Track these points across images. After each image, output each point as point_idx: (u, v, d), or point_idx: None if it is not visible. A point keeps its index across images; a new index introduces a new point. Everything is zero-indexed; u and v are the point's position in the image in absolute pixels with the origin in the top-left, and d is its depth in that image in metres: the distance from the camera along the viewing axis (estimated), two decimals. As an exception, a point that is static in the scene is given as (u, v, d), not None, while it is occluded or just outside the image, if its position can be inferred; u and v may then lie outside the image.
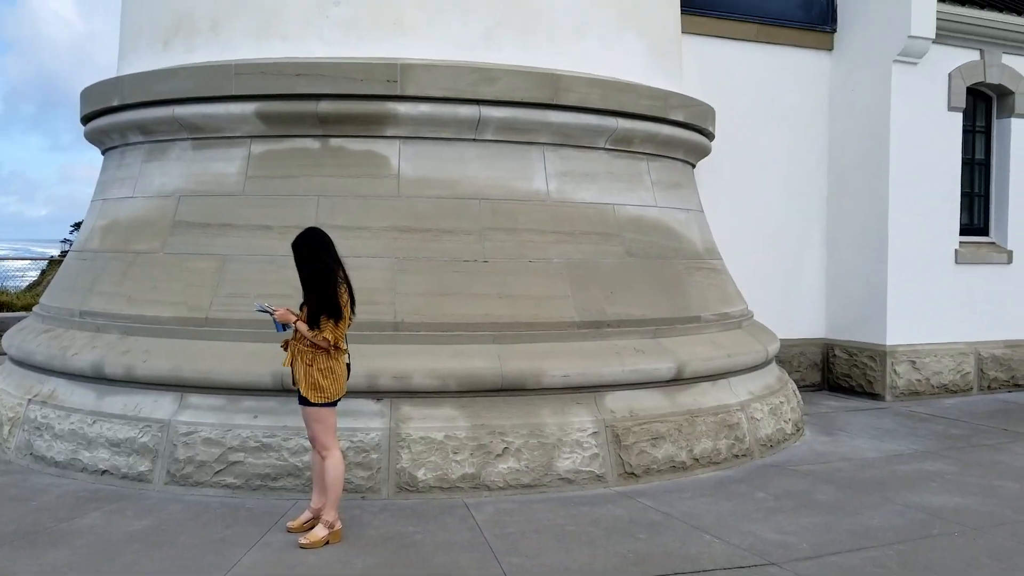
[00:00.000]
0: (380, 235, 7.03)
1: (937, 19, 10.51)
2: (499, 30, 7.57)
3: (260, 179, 7.31)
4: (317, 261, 5.23)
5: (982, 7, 11.17)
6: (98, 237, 8.14)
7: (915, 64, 10.70)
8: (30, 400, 7.21)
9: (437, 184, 7.28)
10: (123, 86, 7.99)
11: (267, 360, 6.31)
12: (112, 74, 8.87)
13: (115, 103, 8.03)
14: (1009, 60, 11.43)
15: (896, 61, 10.61)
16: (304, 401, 5.29)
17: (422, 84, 7.15)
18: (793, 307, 11.25)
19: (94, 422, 6.71)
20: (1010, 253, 11.59)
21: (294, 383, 5.34)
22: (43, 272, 28.04)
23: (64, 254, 29.12)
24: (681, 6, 9.71)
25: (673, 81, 8.96)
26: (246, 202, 7.25)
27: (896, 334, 10.79)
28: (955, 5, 10.89)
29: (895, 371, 10.76)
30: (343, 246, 5.64)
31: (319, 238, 5.33)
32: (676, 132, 8.54)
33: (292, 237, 5.38)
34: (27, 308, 14.82)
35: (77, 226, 51.96)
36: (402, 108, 7.19)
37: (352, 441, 6.28)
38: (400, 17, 7.36)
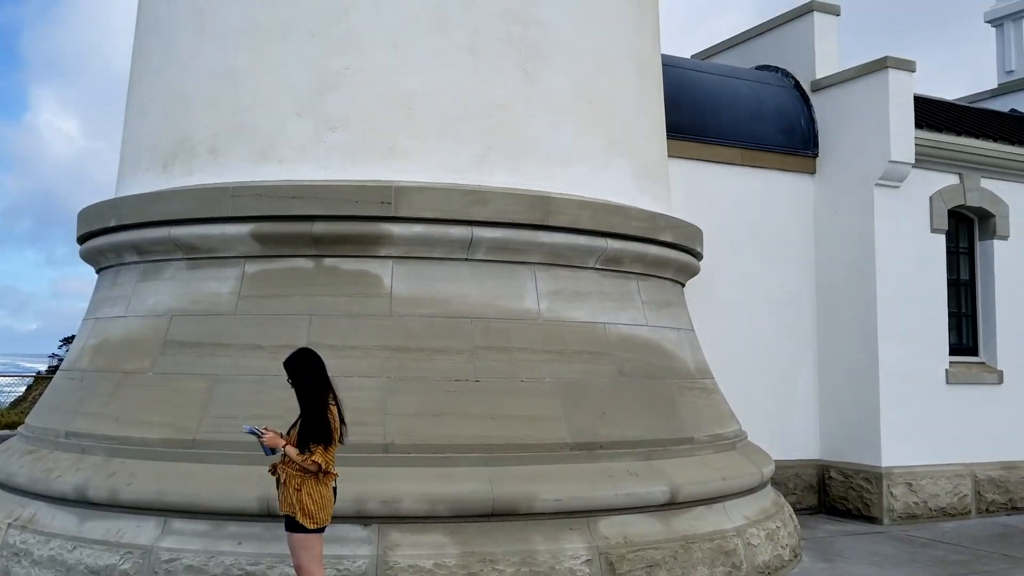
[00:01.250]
0: (371, 354, 7.02)
1: (916, 144, 10.84)
2: (491, 155, 7.76)
3: (253, 298, 7.34)
4: (307, 383, 5.20)
5: (959, 134, 11.54)
6: (88, 356, 8.10)
7: (897, 187, 10.97)
8: (10, 524, 7.01)
9: (429, 303, 7.32)
10: (121, 207, 8.11)
11: (254, 484, 6.19)
12: (110, 191, 9.02)
13: (112, 223, 8.14)
14: (988, 184, 11.74)
15: (878, 185, 10.88)
16: (291, 527, 5.16)
17: (415, 205, 7.28)
18: (787, 428, 11.17)
19: (74, 548, 6.52)
20: (1000, 373, 11.62)
21: (281, 508, 5.22)
22: (29, 388, 27.75)
23: (51, 369, 28.85)
24: (667, 131, 10.01)
25: (661, 203, 9.16)
26: (238, 321, 7.26)
27: (891, 455, 10.68)
28: (932, 132, 11.25)
29: (892, 494, 10.61)
30: (334, 366, 5.62)
31: (310, 359, 5.31)
32: (665, 252, 8.67)
33: (284, 356, 5.36)
34: (12, 426, 14.59)
35: (67, 340, 51.73)
36: (396, 229, 7.30)
37: (338, 569, 6.10)
38: (394, 144, 7.55)
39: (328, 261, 7.38)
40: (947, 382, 11.16)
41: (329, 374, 5.32)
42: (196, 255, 7.65)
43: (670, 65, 10.98)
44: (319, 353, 5.41)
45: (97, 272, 9.05)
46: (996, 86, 16.17)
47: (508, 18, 7.96)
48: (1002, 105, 15.36)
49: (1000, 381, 11.60)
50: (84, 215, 8.75)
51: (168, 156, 8.11)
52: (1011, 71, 15.92)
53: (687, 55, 13.55)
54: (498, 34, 7.91)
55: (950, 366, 11.23)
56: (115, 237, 8.21)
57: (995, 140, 11.76)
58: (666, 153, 9.86)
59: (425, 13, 7.73)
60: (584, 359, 7.61)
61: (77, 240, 9.03)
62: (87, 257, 8.95)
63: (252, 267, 7.46)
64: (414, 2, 7.72)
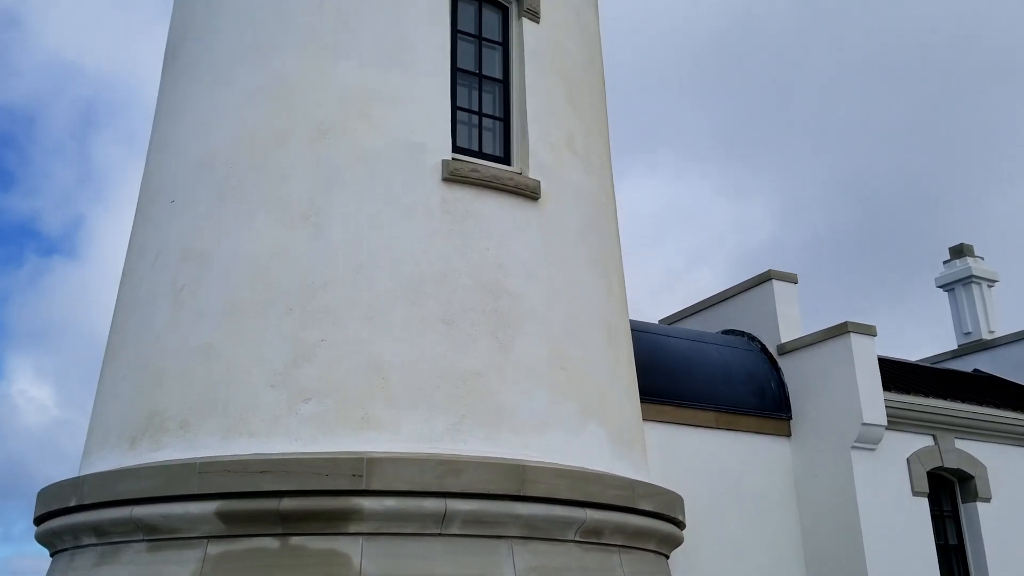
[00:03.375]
0: (338, 642, 6.53)
1: (887, 407, 10.97)
2: (465, 423, 7.71)
3: (214, 581, 6.92)
4: None
5: (927, 395, 11.73)
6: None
7: (873, 450, 10.96)
8: None
9: (401, 583, 6.93)
10: (83, 486, 7.84)
11: None
12: (77, 465, 8.76)
13: (73, 503, 7.84)
14: (963, 445, 11.77)
15: (854, 448, 10.87)
16: None
17: (388, 477, 7.10)
18: None
19: None
20: (1005, 644, 11.02)
21: None
22: None
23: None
24: (641, 395, 10.08)
25: (639, 470, 9.02)
26: (196, 607, 6.80)
27: None
28: (901, 394, 11.43)
29: None
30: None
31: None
32: (645, 522, 8.41)
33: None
34: None
35: (12, 627, 48.16)
36: (367, 503, 7.06)
37: None
38: (367, 413, 7.51)
39: (295, 540, 7.05)
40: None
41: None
42: (157, 536, 7.30)
43: (640, 331, 11.28)
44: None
45: (51, 555, 8.59)
46: (956, 347, 16.68)
47: (481, 290, 8.23)
48: (964, 365, 15.78)
49: (1007, 654, 10.98)
50: (43, 495, 8.44)
51: (137, 431, 7.97)
52: (968, 332, 16.50)
53: (665, 313, 14.02)
54: (472, 304, 8.14)
55: (952, 638, 10.66)
56: (74, 518, 7.87)
57: (963, 401, 11.94)
58: (641, 418, 9.86)
59: (400, 287, 7.98)
60: (566, 641, 7.13)
61: (34, 521, 8.64)
62: (43, 539, 8.52)
63: (215, 548, 7.11)
64: (390, 277, 7.99)
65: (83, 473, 8.29)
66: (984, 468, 11.79)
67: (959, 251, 17.40)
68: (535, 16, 9.64)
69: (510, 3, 9.70)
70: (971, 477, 11.68)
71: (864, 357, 11.05)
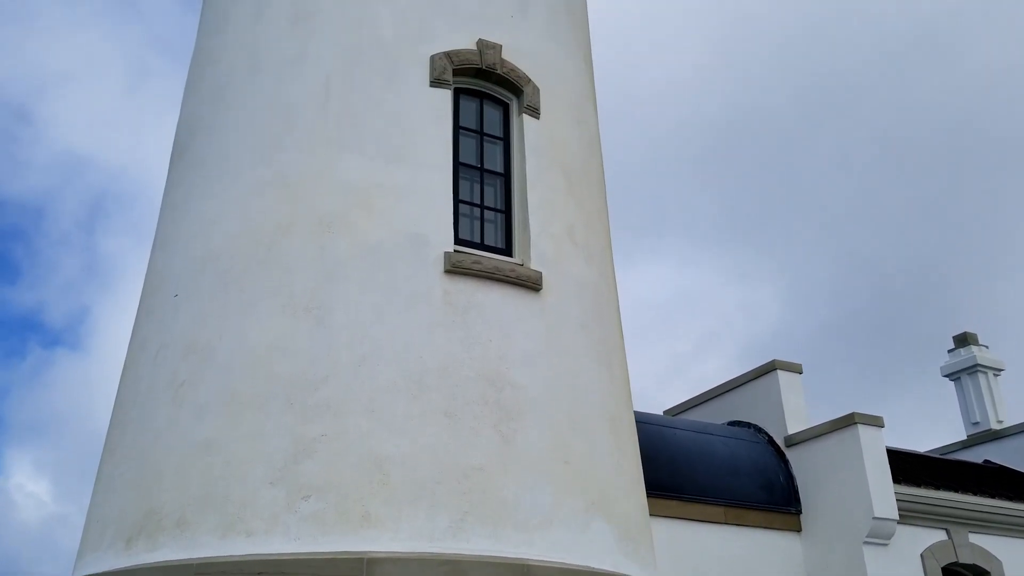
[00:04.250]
0: None
1: (898, 500, 10.75)
2: (468, 520, 7.54)
3: None
4: None
5: (938, 488, 11.51)
6: None
7: (886, 545, 10.69)
8: None
9: None
10: (74, 586, 7.63)
11: None
12: (72, 564, 8.54)
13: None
14: (978, 539, 11.50)
15: (866, 543, 10.62)
16: None
17: (389, 579, 6.90)
18: None
19: None
20: None
21: None
22: None
23: None
24: (647, 489, 9.88)
25: (647, 568, 8.78)
26: None
27: None
28: (912, 486, 11.22)
29: None
30: None
31: None
32: (654, 623, 8.15)
33: None
34: None
35: None
36: (367, 605, 6.85)
37: None
38: (368, 511, 7.34)
39: (292, 642, 6.82)
40: None
41: None
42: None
43: (644, 422, 11.14)
44: None
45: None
46: (965, 437, 16.46)
47: (484, 382, 8.16)
48: (974, 456, 15.54)
49: None
50: (34, 596, 8.20)
51: (133, 530, 7.79)
52: (976, 422, 16.31)
53: (672, 403, 13.88)
54: (474, 396, 8.06)
55: None
56: (63, 620, 7.63)
57: (975, 494, 11.72)
58: (647, 512, 9.65)
59: (403, 379, 7.91)
60: None
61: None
62: (31, 642, 8.25)
63: (209, 651, 6.87)
64: (392, 369, 7.93)
65: (77, 575, 8.07)
66: (999, 563, 11.48)
67: (963, 340, 17.32)
68: (535, 112, 9.83)
69: (511, 100, 9.91)
70: (987, 573, 11.37)
71: (873, 449, 10.89)
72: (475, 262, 8.57)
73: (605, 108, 11.50)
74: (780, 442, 11.94)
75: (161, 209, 9.94)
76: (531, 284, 8.79)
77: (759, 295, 44.62)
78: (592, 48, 11.99)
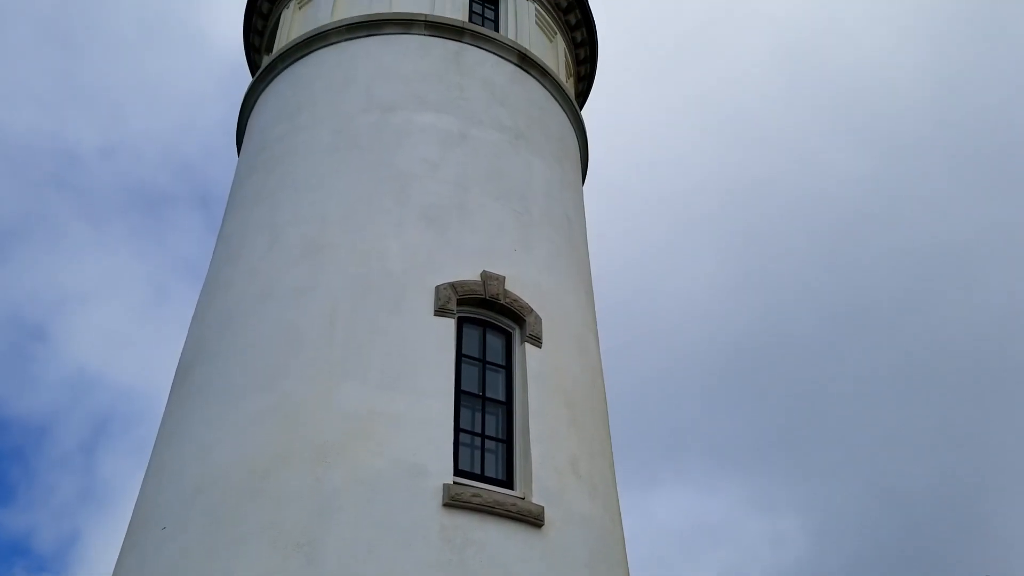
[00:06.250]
0: None
1: None
2: None
3: None
4: None
5: None
6: None
7: None
8: None
9: None
10: None
11: None
12: None
13: None
14: None
15: None
16: None
17: None
18: None
19: None
20: None
21: None
22: None
23: None
24: None
25: None
26: None
27: None
28: None
29: None
30: None
31: None
32: None
33: None
34: None
35: None
36: None
37: None
38: None
39: None
40: None
41: None
42: None
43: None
44: None
45: None
46: None
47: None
48: None
49: None
50: None
51: None
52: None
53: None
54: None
55: None
56: None
57: None
58: None
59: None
60: None
61: None
62: None
63: None
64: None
65: None
66: None
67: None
68: (537, 341, 9.88)
69: (513, 329, 9.99)
70: None
71: None
72: (475, 495, 8.30)
73: (623, 336, 11.56)
74: None
75: (158, 435, 9.76)
76: (533, 520, 8.46)
77: (785, 524, 42.80)
78: (594, 280, 12.25)
